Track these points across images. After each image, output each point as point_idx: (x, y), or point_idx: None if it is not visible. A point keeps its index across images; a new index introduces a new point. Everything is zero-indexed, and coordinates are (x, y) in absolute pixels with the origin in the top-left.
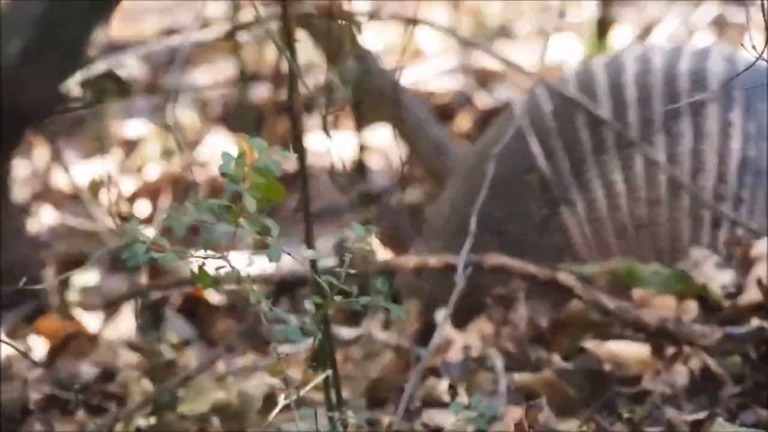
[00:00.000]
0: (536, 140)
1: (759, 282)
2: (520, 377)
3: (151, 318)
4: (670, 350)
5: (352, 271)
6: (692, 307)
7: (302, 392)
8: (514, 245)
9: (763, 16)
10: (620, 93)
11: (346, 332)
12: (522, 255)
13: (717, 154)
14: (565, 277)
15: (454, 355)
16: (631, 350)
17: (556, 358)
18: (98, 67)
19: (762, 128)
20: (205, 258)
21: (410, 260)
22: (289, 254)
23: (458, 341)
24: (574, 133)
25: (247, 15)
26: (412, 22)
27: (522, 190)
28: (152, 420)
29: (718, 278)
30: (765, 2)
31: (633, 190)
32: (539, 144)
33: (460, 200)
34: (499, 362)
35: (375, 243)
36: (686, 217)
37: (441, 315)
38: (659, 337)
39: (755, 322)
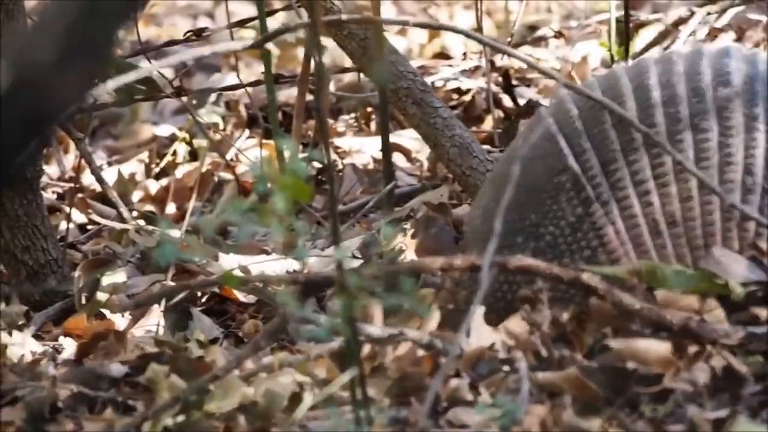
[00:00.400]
0: (565, 142)
1: None
2: (544, 376)
3: (178, 317)
4: (692, 348)
5: (378, 272)
6: (714, 305)
7: (328, 391)
8: (549, 247)
9: None
10: (645, 94)
11: (376, 331)
12: (557, 257)
13: (743, 146)
14: (589, 277)
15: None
16: (654, 348)
17: (579, 357)
18: (130, 70)
19: None
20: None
21: (436, 261)
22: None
23: (488, 339)
24: (602, 134)
25: (276, 18)
26: (438, 27)
27: (555, 191)
28: (179, 418)
29: (740, 275)
30: None
31: (663, 185)
32: (568, 146)
33: (494, 206)
34: (523, 363)
35: (406, 242)
36: (717, 211)
37: (470, 317)
38: (682, 336)
39: None
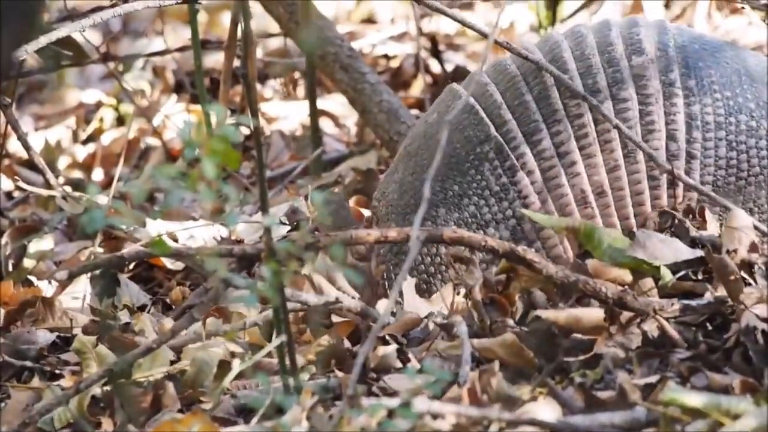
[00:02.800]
0: (485, 114)
1: (708, 253)
2: (480, 342)
3: (106, 284)
4: (625, 315)
5: (311, 242)
6: (649, 282)
7: (256, 358)
8: (472, 218)
9: None
10: (561, 67)
11: (312, 298)
12: (481, 227)
13: (663, 113)
14: (523, 250)
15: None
16: (586, 315)
17: (510, 322)
18: (49, 35)
19: (702, 83)
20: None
21: (371, 233)
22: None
23: (422, 309)
24: (523, 105)
25: None
26: None
27: (478, 161)
28: (107, 388)
29: (667, 257)
30: None
31: (589, 156)
32: (488, 117)
33: (411, 178)
34: (463, 326)
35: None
36: (645, 180)
37: (396, 284)
38: (619, 308)
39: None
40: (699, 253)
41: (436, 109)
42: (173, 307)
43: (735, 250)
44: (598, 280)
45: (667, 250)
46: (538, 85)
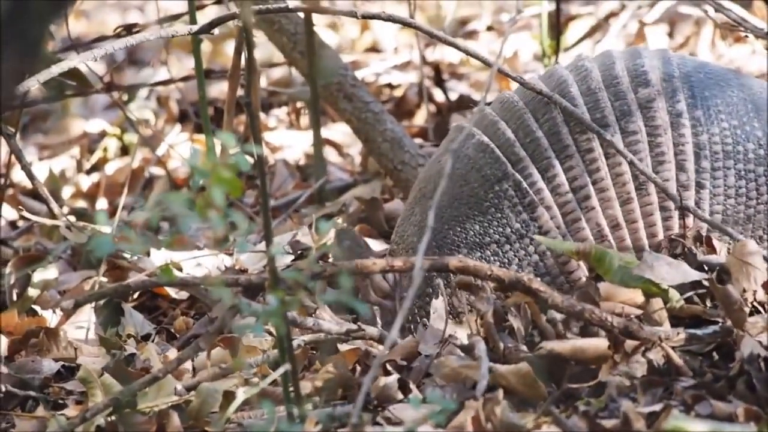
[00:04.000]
0: (500, 152)
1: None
2: (497, 369)
3: (110, 313)
4: (629, 343)
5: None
6: (658, 304)
7: (260, 387)
8: (494, 256)
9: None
10: (570, 102)
11: (333, 326)
12: (504, 265)
13: (672, 144)
14: (529, 279)
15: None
16: (591, 345)
17: (523, 347)
18: (59, 65)
19: (708, 112)
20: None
21: (377, 263)
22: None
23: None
24: (535, 143)
25: (206, 13)
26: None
27: (497, 199)
28: (112, 417)
29: (673, 279)
30: None
31: (602, 190)
32: (504, 156)
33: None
34: (482, 345)
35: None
36: (657, 211)
37: (402, 311)
38: (624, 337)
39: (716, 325)
40: (706, 276)
41: (445, 148)
42: (177, 336)
43: (747, 290)
44: (606, 308)
45: (674, 273)
46: (548, 121)
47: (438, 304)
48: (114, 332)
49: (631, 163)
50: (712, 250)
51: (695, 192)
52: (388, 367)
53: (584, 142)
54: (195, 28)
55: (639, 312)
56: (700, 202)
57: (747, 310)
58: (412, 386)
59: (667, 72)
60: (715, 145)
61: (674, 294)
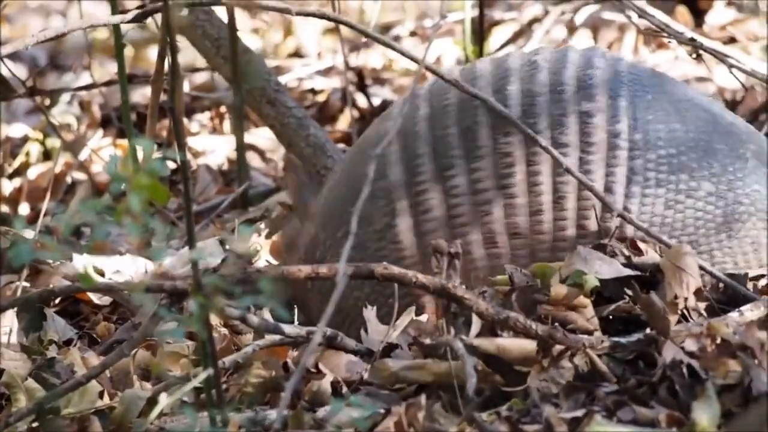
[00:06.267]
0: (401, 145)
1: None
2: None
3: (32, 318)
4: (557, 347)
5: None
6: (586, 303)
7: (182, 391)
8: (357, 249)
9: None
10: (502, 100)
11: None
12: (366, 259)
13: (604, 164)
14: (454, 287)
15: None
16: (518, 346)
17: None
18: None
19: (648, 137)
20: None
21: (303, 269)
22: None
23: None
24: (444, 139)
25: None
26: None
27: (372, 195)
28: (35, 423)
29: (605, 273)
30: None
31: (511, 196)
32: (405, 148)
33: (328, 206)
34: (459, 344)
35: (260, 242)
36: (572, 228)
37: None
38: (549, 343)
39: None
40: (638, 273)
41: (370, 130)
42: (99, 341)
43: (679, 296)
44: (548, 311)
45: (607, 267)
46: (470, 117)
47: (369, 314)
48: (36, 337)
49: (566, 170)
50: (638, 252)
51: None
52: (322, 369)
53: (503, 145)
54: (117, 18)
55: (588, 315)
56: (623, 227)
57: (676, 317)
58: (345, 390)
59: (616, 88)
60: (649, 171)
61: (591, 279)
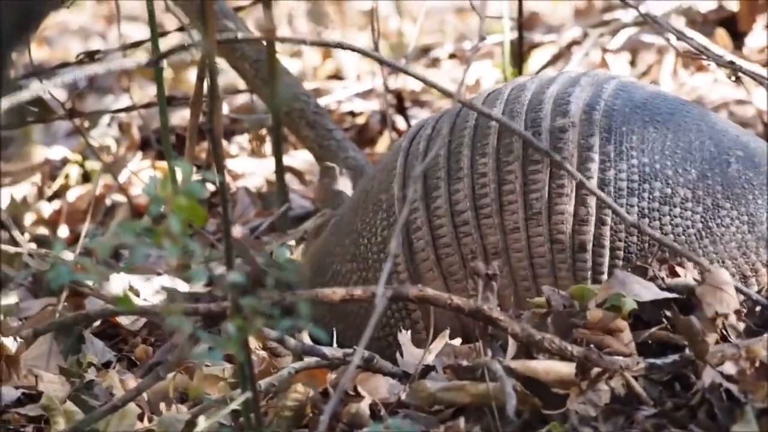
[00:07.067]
0: (404, 161)
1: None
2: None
3: (71, 341)
4: (594, 369)
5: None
6: (623, 326)
7: (221, 415)
8: (361, 257)
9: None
10: (483, 122)
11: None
12: (364, 270)
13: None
14: (489, 308)
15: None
16: (554, 368)
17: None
18: (22, 92)
19: (620, 148)
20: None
21: (337, 292)
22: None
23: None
24: (434, 160)
25: (169, 40)
26: (337, 46)
27: (376, 207)
28: None
29: (644, 296)
30: None
31: (486, 216)
32: (406, 166)
33: (343, 221)
34: (497, 365)
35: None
36: (547, 243)
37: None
38: (585, 365)
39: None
40: (677, 295)
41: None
42: (138, 363)
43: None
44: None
45: (645, 291)
46: (457, 139)
47: (403, 338)
48: (75, 360)
49: (579, 185)
50: (675, 275)
51: (595, 227)
52: (360, 391)
53: (480, 166)
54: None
55: (625, 340)
56: (600, 238)
57: (715, 336)
58: (384, 412)
59: (591, 104)
60: (621, 181)
61: (629, 302)
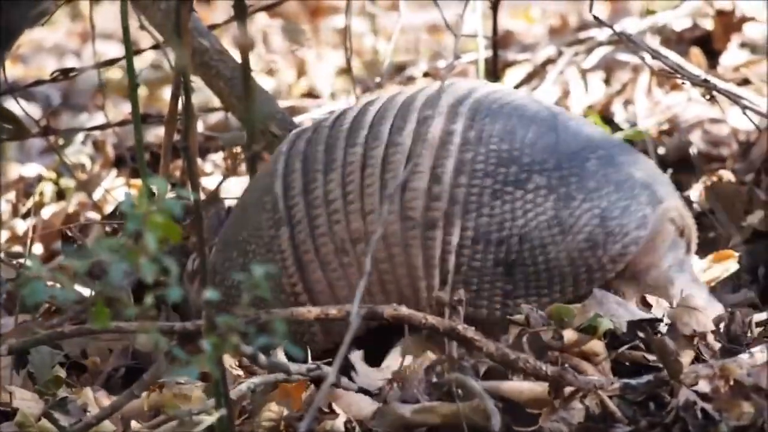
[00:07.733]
0: (284, 161)
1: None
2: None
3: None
4: (567, 388)
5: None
6: (599, 350)
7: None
8: (250, 263)
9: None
10: (361, 117)
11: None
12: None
13: (433, 157)
14: (464, 328)
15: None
16: (529, 387)
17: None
18: None
19: (481, 135)
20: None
21: (312, 311)
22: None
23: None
24: (313, 154)
25: (144, 58)
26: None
27: (259, 210)
28: None
29: (620, 315)
30: None
31: (350, 202)
32: (286, 165)
33: (226, 237)
34: (473, 382)
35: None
36: (397, 222)
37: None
38: (559, 385)
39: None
40: (654, 315)
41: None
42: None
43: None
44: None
45: (623, 311)
46: (334, 135)
47: (355, 357)
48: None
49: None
50: (648, 306)
51: (448, 205)
52: (335, 408)
53: (350, 155)
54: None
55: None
56: (452, 216)
57: (691, 354)
58: (358, 430)
59: (460, 99)
60: (478, 164)
61: (605, 322)
